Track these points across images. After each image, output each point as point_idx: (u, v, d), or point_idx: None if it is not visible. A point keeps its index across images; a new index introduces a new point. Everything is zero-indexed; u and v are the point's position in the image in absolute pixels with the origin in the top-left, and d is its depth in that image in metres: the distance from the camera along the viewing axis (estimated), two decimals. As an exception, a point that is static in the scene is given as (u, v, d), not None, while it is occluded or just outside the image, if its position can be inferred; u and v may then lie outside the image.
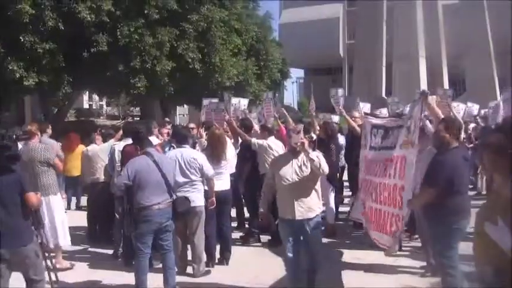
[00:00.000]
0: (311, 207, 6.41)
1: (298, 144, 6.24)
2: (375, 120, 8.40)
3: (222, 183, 8.66)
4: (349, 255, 8.96)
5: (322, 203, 6.75)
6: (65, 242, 8.62)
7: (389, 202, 7.08)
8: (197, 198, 7.90)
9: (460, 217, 5.97)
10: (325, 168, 6.31)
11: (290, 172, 6.40)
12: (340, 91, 11.88)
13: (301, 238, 6.54)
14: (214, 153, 8.61)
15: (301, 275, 6.64)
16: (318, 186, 6.53)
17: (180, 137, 8.58)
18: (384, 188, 7.26)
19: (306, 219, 6.39)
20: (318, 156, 6.31)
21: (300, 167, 6.39)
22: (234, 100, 12.91)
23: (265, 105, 13.06)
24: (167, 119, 12.40)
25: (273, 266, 8.10)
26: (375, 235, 7.45)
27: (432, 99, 7.56)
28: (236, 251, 8.97)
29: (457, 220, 5.96)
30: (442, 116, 7.46)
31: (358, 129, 10.05)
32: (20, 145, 8.79)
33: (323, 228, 6.94)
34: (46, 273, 6.42)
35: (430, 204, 6.07)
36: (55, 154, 8.83)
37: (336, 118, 13.82)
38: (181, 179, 7.85)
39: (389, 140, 7.49)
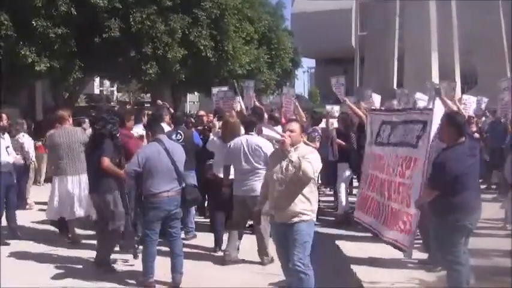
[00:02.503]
0: (294, 211, 5.91)
1: (280, 142, 5.87)
2: (385, 117, 8.35)
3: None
4: (355, 247, 8.95)
5: (313, 209, 6.07)
6: (81, 213, 9.38)
7: (400, 200, 7.08)
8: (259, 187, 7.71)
9: (466, 213, 5.91)
10: (307, 170, 5.71)
11: (277, 169, 6.02)
12: (341, 79, 11.84)
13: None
14: (228, 141, 8.57)
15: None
16: (308, 191, 5.97)
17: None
18: (397, 186, 7.26)
19: (286, 224, 5.97)
20: (301, 157, 5.77)
21: (286, 166, 5.91)
22: (246, 83, 12.97)
23: (286, 101, 13.03)
24: (159, 101, 12.21)
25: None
26: (391, 235, 7.40)
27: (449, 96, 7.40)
28: (245, 239, 9.00)
29: (462, 217, 5.88)
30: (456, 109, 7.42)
31: (363, 116, 10.03)
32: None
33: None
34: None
35: (434, 201, 6.01)
36: None
37: (336, 108, 13.81)
38: (244, 166, 7.94)
39: (404, 136, 7.46)
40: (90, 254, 8.32)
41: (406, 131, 7.44)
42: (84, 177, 9.10)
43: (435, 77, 38.08)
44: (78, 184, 9.27)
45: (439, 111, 6.81)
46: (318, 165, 5.92)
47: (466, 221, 5.91)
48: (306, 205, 5.96)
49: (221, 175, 8.66)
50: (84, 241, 9.27)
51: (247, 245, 8.71)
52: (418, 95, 13.27)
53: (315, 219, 6.12)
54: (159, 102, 11.86)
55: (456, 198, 5.83)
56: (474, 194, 6.07)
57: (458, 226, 5.90)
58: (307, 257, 5.95)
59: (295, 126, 6.14)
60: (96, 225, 8.33)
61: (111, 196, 7.68)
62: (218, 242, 8.90)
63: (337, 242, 9.25)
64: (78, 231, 9.53)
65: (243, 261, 8.21)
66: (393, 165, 7.51)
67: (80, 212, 9.33)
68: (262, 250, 8.12)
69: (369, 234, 8.88)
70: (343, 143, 10.61)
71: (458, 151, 5.90)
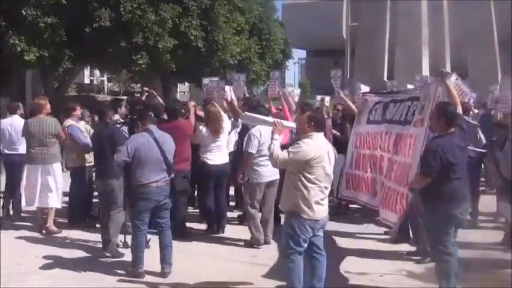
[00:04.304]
0: (284, 201, 6.08)
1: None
2: (377, 98, 8.33)
3: (221, 156, 9.06)
4: (345, 240, 8.96)
5: (296, 203, 5.83)
6: (58, 204, 9.44)
7: (399, 180, 7.04)
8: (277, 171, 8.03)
9: (455, 203, 5.92)
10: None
11: None
12: (338, 72, 11.85)
13: None
14: (212, 128, 8.98)
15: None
16: (292, 186, 5.87)
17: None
18: (394, 165, 7.21)
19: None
20: (275, 145, 5.96)
21: None
22: (236, 76, 12.94)
23: (271, 84, 13.02)
24: (145, 88, 12.11)
25: (270, 246, 8.16)
26: (385, 215, 7.38)
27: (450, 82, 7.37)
28: (232, 229, 9.09)
29: (451, 206, 5.89)
30: (457, 99, 7.40)
31: (355, 109, 9.99)
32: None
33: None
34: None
35: (424, 190, 6.02)
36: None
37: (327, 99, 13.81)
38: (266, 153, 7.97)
39: (398, 114, 7.42)
40: (78, 244, 8.31)
41: (402, 108, 7.40)
42: (57, 167, 9.37)
43: (425, 70, 38.08)
44: (49, 173, 9.30)
45: (433, 94, 6.80)
46: (294, 159, 5.78)
47: (456, 210, 5.92)
48: (289, 197, 5.94)
49: (209, 161, 8.95)
50: (71, 231, 9.25)
51: (235, 233, 8.74)
52: (410, 87, 13.27)
53: (303, 215, 5.80)
54: (146, 89, 11.79)
55: (447, 187, 5.85)
56: (463, 184, 6.07)
57: (448, 215, 5.91)
58: (289, 248, 5.89)
59: (300, 116, 6.28)
60: (101, 213, 8.47)
61: (118, 182, 7.92)
62: (210, 228, 9.22)
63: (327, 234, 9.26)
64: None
65: (232, 249, 8.27)
66: (389, 142, 7.45)
67: (53, 201, 9.35)
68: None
69: (359, 230, 8.93)
70: (338, 134, 10.59)
71: (449, 140, 5.91)
